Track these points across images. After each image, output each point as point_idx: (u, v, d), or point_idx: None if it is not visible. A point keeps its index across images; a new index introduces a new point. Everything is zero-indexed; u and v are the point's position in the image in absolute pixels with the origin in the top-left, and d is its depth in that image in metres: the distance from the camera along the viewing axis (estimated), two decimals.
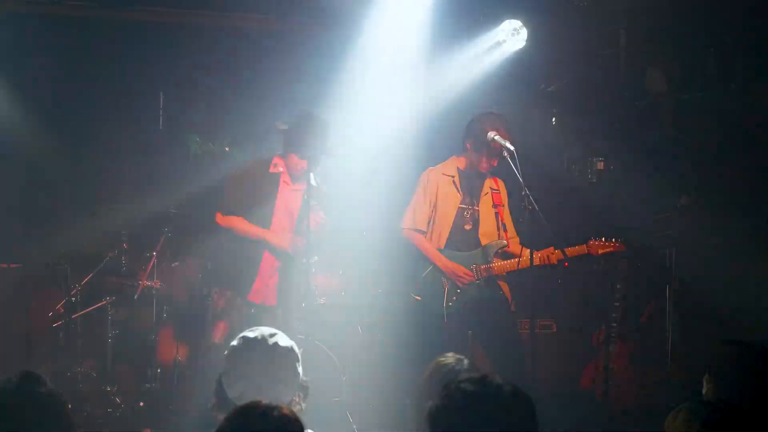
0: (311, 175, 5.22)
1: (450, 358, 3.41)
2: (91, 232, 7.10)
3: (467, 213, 5.72)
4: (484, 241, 5.73)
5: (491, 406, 2.12)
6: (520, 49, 7.18)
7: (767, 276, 6.60)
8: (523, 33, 7.31)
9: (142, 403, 6.54)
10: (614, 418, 6.48)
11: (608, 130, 7.45)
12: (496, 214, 5.69)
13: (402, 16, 7.14)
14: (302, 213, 5.22)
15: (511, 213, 5.91)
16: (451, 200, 5.72)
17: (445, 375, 3.22)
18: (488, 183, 5.82)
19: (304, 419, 2.89)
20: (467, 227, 5.72)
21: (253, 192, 5.35)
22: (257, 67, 7.82)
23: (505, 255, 5.81)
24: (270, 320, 5.36)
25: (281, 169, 5.33)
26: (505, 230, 5.72)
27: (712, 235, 6.86)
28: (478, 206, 5.75)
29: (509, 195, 5.91)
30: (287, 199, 5.33)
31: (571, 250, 5.54)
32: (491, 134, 5.49)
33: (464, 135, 5.73)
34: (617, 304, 7.04)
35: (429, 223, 5.75)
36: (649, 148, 7.38)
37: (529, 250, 5.40)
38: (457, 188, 5.74)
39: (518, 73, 7.34)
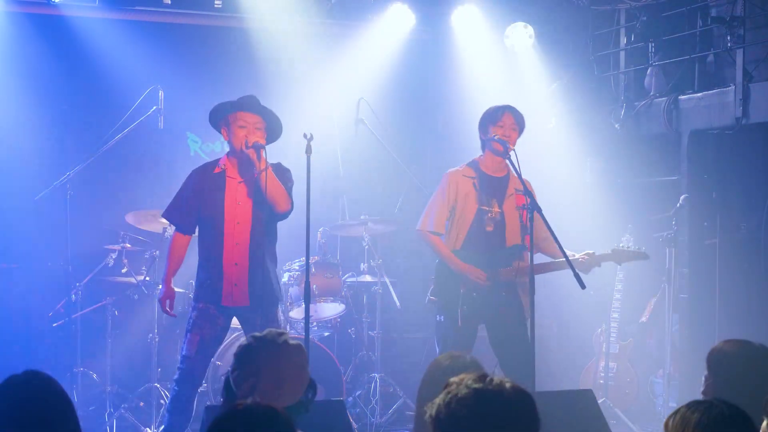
0: None
1: (449, 356, 3.41)
2: (91, 232, 7.10)
3: (489, 215, 5.51)
4: (509, 243, 5.52)
5: (493, 405, 2.12)
6: None
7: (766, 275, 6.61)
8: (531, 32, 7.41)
9: (142, 403, 6.54)
10: (614, 418, 6.48)
11: (608, 129, 7.45)
12: (520, 216, 5.36)
13: None
14: None
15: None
16: (471, 202, 5.52)
17: (443, 373, 3.21)
18: (513, 183, 5.55)
19: (305, 419, 2.90)
20: (488, 229, 5.51)
21: (200, 193, 5.34)
22: (258, 66, 7.83)
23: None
24: (244, 322, 5.34)
25: (224, 167, 5.37)
26: (527, 233, 5.39)
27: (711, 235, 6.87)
28: (501, 208, 5.50)
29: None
30: (234, 192, 5.36)
31: (599, 256, 5.51)
32: (492, 134, 5.40)
33: (479, 126, 5.58)
34: (617, 304, 7.05)
35: (447, 225, 5.58)
36: (649, 148, 7.38)
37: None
38: (476, 189, 5.52)
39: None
